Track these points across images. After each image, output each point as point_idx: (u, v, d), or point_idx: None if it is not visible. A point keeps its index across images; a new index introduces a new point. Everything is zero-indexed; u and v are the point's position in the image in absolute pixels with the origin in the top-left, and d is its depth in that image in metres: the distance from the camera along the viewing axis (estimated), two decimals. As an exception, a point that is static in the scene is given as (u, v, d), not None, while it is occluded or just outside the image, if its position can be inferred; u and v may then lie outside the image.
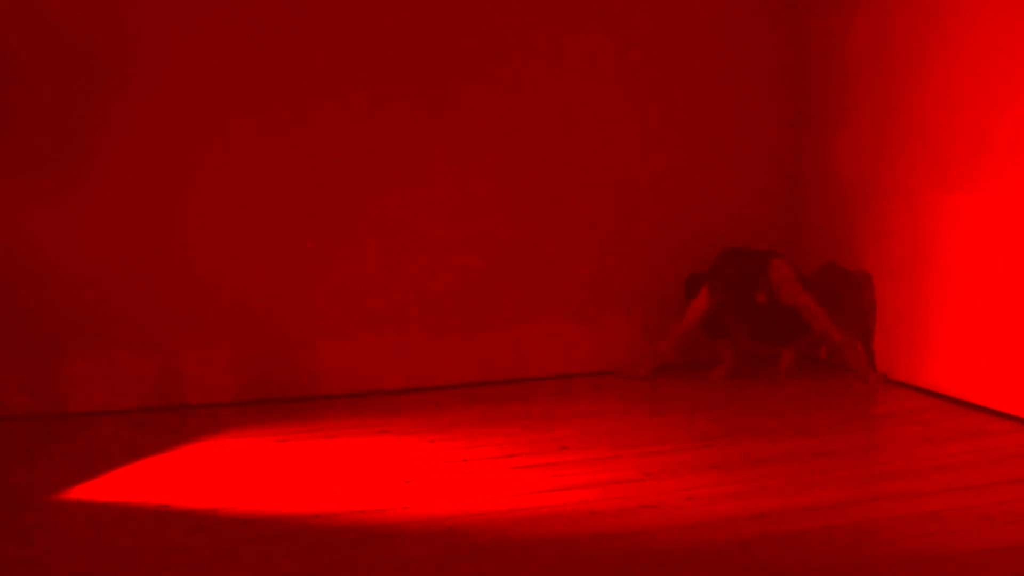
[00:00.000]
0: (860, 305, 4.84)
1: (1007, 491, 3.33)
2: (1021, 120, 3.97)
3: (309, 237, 4.75)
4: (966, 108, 4.24)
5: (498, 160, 4.92)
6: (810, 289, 4.73)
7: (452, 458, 3.81)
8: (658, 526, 3.11)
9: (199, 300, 4.65)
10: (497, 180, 4.93)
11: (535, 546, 2.99)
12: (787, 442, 3.94)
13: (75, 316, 4.53)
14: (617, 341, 5.09)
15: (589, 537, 3.05)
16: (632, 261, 5.08)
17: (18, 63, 4.38)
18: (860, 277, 4.84)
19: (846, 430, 4.17)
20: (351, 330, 4.82)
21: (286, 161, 4.70)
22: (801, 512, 3.18)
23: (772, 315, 4.76)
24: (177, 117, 4.57)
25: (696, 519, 3.15)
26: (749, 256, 4.86)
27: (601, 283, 5.05)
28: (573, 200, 5.02)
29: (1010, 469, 3.54)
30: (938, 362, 4.47)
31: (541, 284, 5.02)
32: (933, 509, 3.16)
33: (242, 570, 2.91)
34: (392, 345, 4.87)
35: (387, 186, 4.81)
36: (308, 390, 4.78)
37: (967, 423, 4.08)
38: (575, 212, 5.01)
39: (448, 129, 4.86)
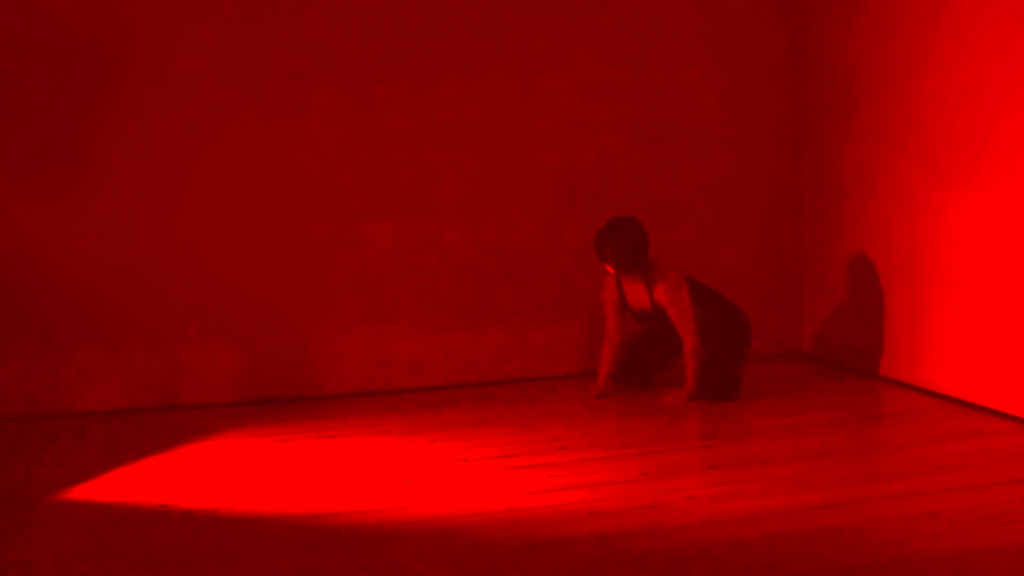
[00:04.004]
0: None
1: (1007, 491, 3.33)
2: (1021, 120, 3.97)
3: (309, 238, 4.75)
4: (966, 108, 4.24)
5: (500, 163, 4.92)
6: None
7: (452, 458, 3.81)
8: (658, 526, 3.11)
9: (200, 301, 4.66)
10: (499, 183, 4.93)
11: (535, 546, 2.99)
12: (787, 442, 3.94)
13: (76, 317, 4.53)
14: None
15: (589, 537, 3.04)
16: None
17: (20, 62, 4.39)
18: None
19: (846, 430, 4.16)
20: (351, 330, 4.82)
21: (286, 162, 4.70)
22: (801, 512, 3.18)
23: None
24: (178, 115, 4.57)
25: (696, 519, 3.15)
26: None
27: (601, 286, 5.05)
28: (577, 203, 5.02)
29: (1010, 469, 3.54)
30: (938, 362, 4.47)
31: (541, 286, 5.02)
32: (933, 509, 3.16)
33: (242, 570, 2.91)
34: (392, 345, 4.87)
35: (388, 188, 4.81)
36: (308, 390, 4.79)
37: (967, 423, 4.08)
38: (578, 215, 5.02)
39: (449, 133, 4.86)
